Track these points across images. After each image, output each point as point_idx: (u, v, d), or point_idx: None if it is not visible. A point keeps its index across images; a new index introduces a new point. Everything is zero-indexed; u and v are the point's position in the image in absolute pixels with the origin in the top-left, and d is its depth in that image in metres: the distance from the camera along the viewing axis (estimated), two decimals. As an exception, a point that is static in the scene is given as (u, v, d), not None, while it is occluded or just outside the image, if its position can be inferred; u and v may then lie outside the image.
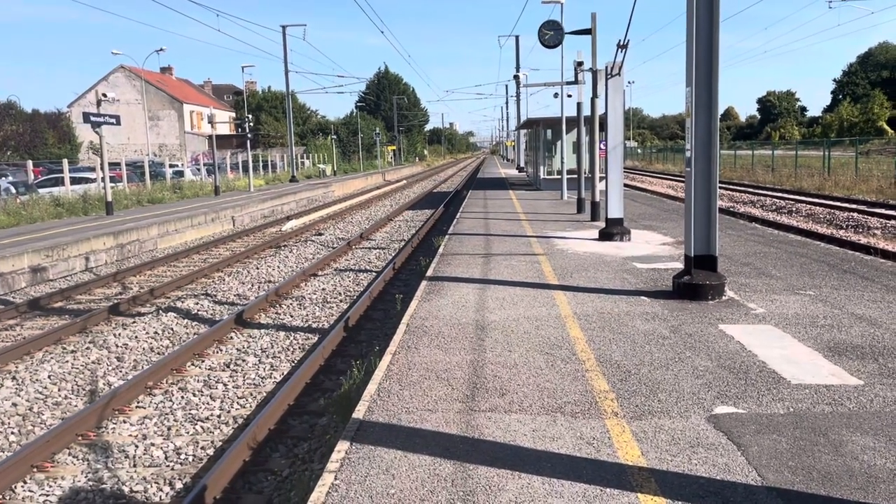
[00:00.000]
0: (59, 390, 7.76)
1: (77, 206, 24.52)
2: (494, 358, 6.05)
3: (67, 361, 8.68)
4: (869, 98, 77.94)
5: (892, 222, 18.33)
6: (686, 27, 7.83)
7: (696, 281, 7.99)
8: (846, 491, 3.64)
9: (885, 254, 12.87)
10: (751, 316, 7.19)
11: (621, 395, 5.10)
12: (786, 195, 27.74)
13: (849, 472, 3.83)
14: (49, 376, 8.17)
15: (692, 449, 4.18)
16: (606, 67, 13.01)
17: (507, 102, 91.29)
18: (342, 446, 4.37)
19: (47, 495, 5.38)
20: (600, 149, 15.76)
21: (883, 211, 20.51)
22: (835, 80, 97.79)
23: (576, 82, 17.45)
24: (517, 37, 56.60)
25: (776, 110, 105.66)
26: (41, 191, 28.99)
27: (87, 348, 9.23)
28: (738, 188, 32.86)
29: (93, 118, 22.20)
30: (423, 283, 9.50)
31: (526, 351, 6.22)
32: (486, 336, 6.74)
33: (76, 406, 7.29)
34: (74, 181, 29.00)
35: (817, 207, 22.98)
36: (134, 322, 10.55)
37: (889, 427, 4.39)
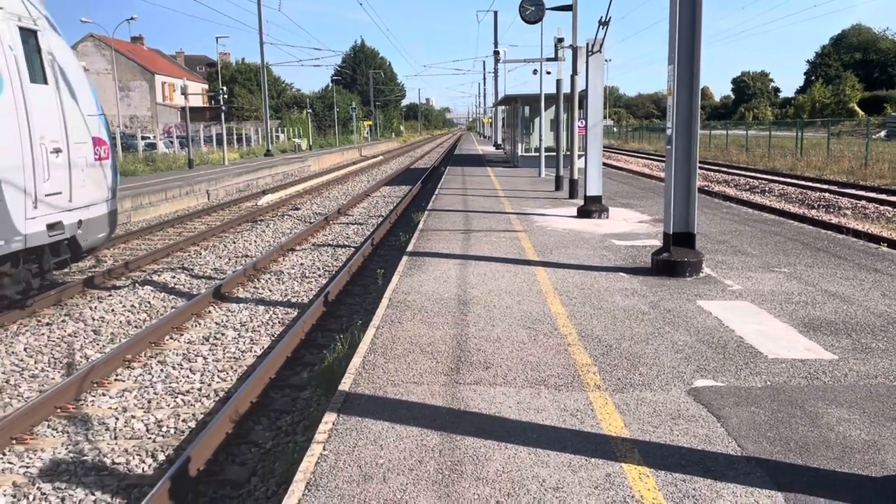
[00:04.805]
0: (35, 363, 7.66)
1: (47, 178, 23.99)
2: (477, 332, 6.09)
3: (43, 334, 8.57)
4: (841, 80, 78.93)
5: (862, 202, 18.69)
6: (669, 4, 7.84)
7: (674, 258, 8.09)
8: (823, 461, 3.75)
9: (856, 233, 13.13)
10: (728, 292, 7.31)
11: (603, 368, 5.18)
12: (759, 175, 28.10)
13: (825, 442, 3.95)
14: (25, 349, 8.06)
15: (673, 420, 4.27)
16: (587, 44, 12.98)
17: (484, 79, 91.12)
18: (329, 417, 4.39)
19: (28, 467, 5.34)
20: (579, 126, 15.79)
21: (853, 191, 20.90)
22: (808, 61, 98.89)
23: (556, 59, 17.42)
24: (496, 12, 56.44)
25: (750, 90, 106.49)
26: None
27: (63, 321, 9.11)
28: (713, 167, 33.19)
29: (63, 87, 21.67)
30: (404, 259, 9.51)
31: (508, 325, 6.27)
32: (469, 311, 6.78)
33: (53, 379, 7.21)
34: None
35: (790, 187, 23.33)
36: (110, 295, 10.43)
37: (863, 400, 4.52)
